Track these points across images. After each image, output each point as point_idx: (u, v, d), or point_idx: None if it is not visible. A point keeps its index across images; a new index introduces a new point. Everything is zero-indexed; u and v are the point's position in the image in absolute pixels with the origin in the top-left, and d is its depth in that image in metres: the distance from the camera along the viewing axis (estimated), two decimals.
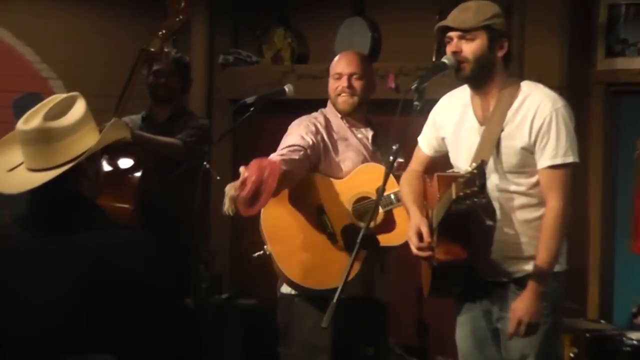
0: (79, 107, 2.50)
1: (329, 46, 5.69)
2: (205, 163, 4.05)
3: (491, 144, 3.20)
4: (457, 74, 3.23)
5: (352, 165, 3.87)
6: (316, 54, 6.18)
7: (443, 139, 3.43)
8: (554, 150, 3.15)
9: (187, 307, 2.77)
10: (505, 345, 3.30)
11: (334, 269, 3.63)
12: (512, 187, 3.23)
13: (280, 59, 6.36)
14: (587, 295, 5.17)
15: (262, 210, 3.64)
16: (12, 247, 2.48)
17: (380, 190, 2.96)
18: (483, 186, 2.86)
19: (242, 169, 3.38)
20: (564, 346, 4.28)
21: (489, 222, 3.22)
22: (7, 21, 6.10)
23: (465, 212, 3.07)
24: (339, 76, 3.90)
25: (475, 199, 2.89)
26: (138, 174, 4.24)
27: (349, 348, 3.81)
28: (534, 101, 3.20)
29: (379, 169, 3.80)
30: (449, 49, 3.23)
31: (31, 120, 2.45)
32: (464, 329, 3.43)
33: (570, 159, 3.17)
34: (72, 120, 2.46)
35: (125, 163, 4.23)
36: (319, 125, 3.87)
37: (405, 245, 3.38)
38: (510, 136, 3.20)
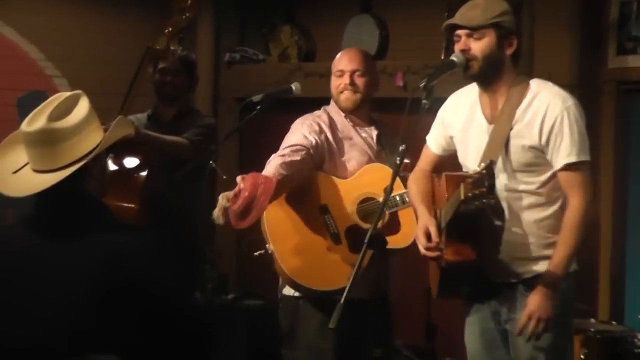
0: (83, 106, 2.50)
1: (337, 44, 5.69)
2: (211, 162, 4.07)
3: (500, 143, 3.21)
4: (466, 72, 3.24)
5: (357, 165, 3.86)
6: (324, 52, 6.18)
7: (452, 138, 3.44)
8: (570, 149, 3.16)
9: (199, 304, 2.79)
10: (514, 346, 3.31)
11: (336, 270, 3.64)
12: (521, 187, 3.24)
13: (287, 57, 6.37)
14: (598, 296, 5.17)
15: None
16: (19, 248, 2.48)
17: (389, 190, 2.97)
18: (492, 187, 2.88)
19: (239, 178, 3.39)
20: (574, 348, 4.28)
21: (498, 223, 3.23)
22: (11, 19, 6.13)
23: (474, 213, 3.07)
24: (342, 73, 3.88)
25: (484, 200, 2.90)
26: (144, 174, 4.25)
27: (354, 350, 3.80)
28: (544, 100, 3.21)
29: (384, 170, 3.80)
30: (458, 47, 3.24)
31: (35, 122, 2.45)
32: (473, 330, 3.44)
33: (584, 158, 3.18)
34: (76, 120, 2.47)
35: (131, 162, 4.24)
36: (323, 125, 3.85)
37: (414, 245, 3.38)
38: (519, 135, 3.21)
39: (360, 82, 3.88)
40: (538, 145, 3.19)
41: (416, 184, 3.50)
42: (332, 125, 3.88)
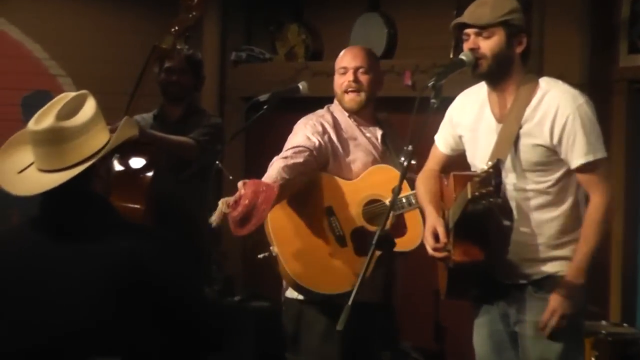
0: (90, 106, 2.52)
1: (344, 43, 5.67)
2: (217, 162, 4.08)
3: (508, 142, 3.22)
4: (474, 71, 3.24)
5: (362, 165, 3.84)
6: (331, 51, 6.17)
7: (460, 137, 3.44)
8: (585, 148, 3.16)
9: (212, 302, 2.81)
10: (524, 348, 3.31)
11: (341, 273, 3.64)
12: (530, 186, 3.24)
13: (294, 56, 6.38)
14: (609, 298, 5.16)
15: None
16: (27, 249, 2.49)
17: (397, 190, 2.97)
18: (499, 186, 2.88)
19: (240, 184, 3.39)
20: (585, 350, 4.28)
21: (506, 222, 3.23)
22: (15, 17, 6.15)
23: (482, 212, 3.07)
24: (345, 70, 3.86)
25: (491, 199, 2.91)
26: (150, 174, 4.25)
27: (360, 353, 3.79)
28: (554, 99, 3.21)
29: (389, 171, 3.79)
30: (466, 45, 3.24)
31: (43, 120, 2.46)
32: (481, 332, 3.44)
33: (600, 155, 3.19)
34: (84, 119, 2.48)
35: (137, 163, 4.24)
36: (326, 125, 3.83)
37: (422, 247, 3.38)
38: (529, 134, 3.21)
39: (363, 79, 3.85)
40: (549, 144, 3.20)
41: (424, 184, 3.50)
42: (336, 125, 3.86)
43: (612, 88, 5.21)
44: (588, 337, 4.29)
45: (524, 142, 3.22)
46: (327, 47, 6.31)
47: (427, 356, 5.37)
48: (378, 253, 3.01)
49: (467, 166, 3.44)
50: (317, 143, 3.74)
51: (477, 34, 3.22)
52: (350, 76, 3.84)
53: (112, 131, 2.58)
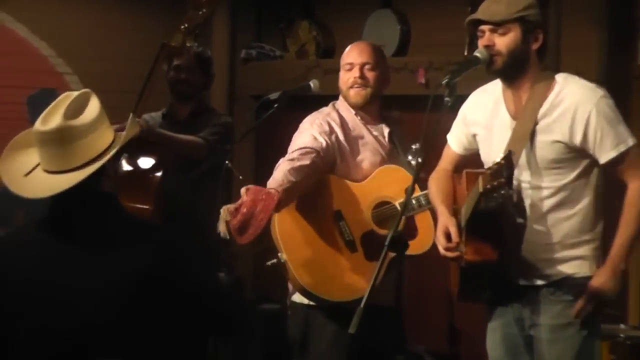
0: (94, 104, 2.53)
1: (356, 40, 5.67)
2: (227, 162, 4.08)
3: (523, 137, 3.21)
4: (489, 68, 3.23)
5: (370, 165, 3.82)
6: (342, 48, 6.03)
7: (474, 135, 3.44)
8: (614, 140, 3.17)
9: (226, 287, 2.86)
10: (539, 353, 3.29)
11: (353, 280, 3.62)
12: (545, 184, 3.24)
13: (305, 54, 6.38)
14: (627, 300, 5.15)
15: (275, 215, 3.57)
16: (41, 252, 2.50)
17: (410, 190, 2.97)
18: (510, 177, 2.88)
19: (243, 190, 3.37)
20: (601, 354, 4.27)
21: (520, 220, 3.22)
22: (21, 15, 6.18)
23: (495, 209, 3.07)
24: (351, 66, 3.84)
25: (502, 191, 2.90)
26: (158, 174, 4.25)
27: (369, 357, 3.78)
28: (573, 94, 3.20)
29: (398, 171, 3.78)
30: (481, 42, 3.24)
31: (50, 120, 2.46)
32: (495, 335, 3.42)
33: (631, 143, 3.20)
34: (90, 117, 2.49)
35: (145, 163, 4.24)
36: (333, 124, 3.80)
37: (436, 248, 3.36)
38: (547, 130, 3.21)
39: (370, 75, 3.83)
40: (568, 141, 3.19)
41: (436, 184, 3.50)
42: (343, 124, 3.83)
43: (629, 85, 5.21)
44: (606, 341, 4.28)
45: (541, 139, 3.22)
46: (339, 44, 6.29)
47: (441, 359, 5.36)
48: (391, 255, 3.00)
49: (480, 167, 3.43)
50: (324, 143, 3.71)
51: (492, 31, 3.22)
52: (356, 72, 3.82)
53: (119, 130, 2.59)
